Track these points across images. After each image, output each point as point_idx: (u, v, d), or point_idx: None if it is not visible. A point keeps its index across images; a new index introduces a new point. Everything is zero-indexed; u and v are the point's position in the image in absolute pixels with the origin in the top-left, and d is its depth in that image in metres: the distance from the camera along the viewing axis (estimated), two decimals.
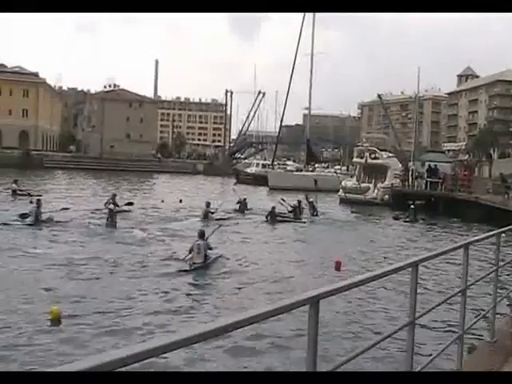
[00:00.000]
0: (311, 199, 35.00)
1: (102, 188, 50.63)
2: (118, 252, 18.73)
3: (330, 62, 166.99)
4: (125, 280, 14.95)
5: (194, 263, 16.19)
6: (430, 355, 4.91)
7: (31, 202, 25.03)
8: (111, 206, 25.92)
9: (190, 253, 16.70)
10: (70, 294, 13.09)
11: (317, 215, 33.74)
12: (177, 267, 16.35)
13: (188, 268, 16.03)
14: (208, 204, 29.79)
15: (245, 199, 34.39)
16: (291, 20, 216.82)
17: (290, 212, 31.73)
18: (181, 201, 38.03)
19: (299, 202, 32.60)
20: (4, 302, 12.29)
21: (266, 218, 30.16)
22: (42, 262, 16.40)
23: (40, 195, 31.63)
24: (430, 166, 46.16)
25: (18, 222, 23.52)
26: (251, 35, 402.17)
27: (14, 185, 37.36)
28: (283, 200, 32.93)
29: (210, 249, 17.21)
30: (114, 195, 30.39)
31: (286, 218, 30.97)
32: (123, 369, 1.75)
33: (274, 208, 30.68)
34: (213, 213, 29.36)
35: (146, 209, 32.59)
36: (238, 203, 34.03)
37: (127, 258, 17.68)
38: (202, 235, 16.99)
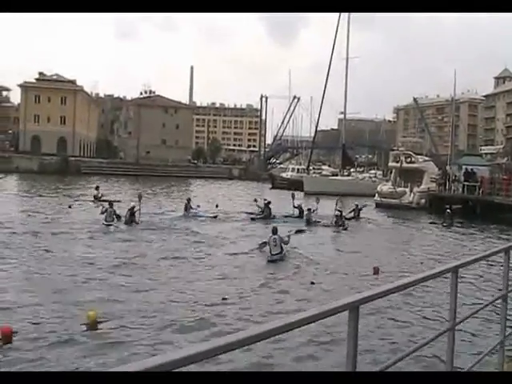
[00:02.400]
0: (356, 203, 35.37)
1: (158, 194, 52.20)
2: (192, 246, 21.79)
3: (365, 64, 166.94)
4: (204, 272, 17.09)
5: (272, 254, 19.11)
6: (471, 362, 4.83)
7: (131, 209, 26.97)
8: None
9: (267, 245, 19.54)
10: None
11: (359, 217, 34.17)
12: (258, 259, 19.52)
13: (269, 258, 19.00)
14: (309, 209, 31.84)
15: (268, 202, 34.03)
16: (327, 24, 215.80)
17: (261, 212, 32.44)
18: (217, 205, 38.05)
19: (269, 202, 33.14)
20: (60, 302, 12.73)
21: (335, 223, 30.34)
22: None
23: (119, 200, 32.65)
24: (466, 169, 45.65)
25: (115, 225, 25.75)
26: (287, 40, 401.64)
27: (96, 191, 38.39)
28: (255, 200, 34.10)
29: (285, 243, 19.82)
30: (189, 199, 33.10)
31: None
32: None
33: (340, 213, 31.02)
34: (315, 221, 31.00)
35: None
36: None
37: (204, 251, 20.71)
38: (275, 231, 19.77)
